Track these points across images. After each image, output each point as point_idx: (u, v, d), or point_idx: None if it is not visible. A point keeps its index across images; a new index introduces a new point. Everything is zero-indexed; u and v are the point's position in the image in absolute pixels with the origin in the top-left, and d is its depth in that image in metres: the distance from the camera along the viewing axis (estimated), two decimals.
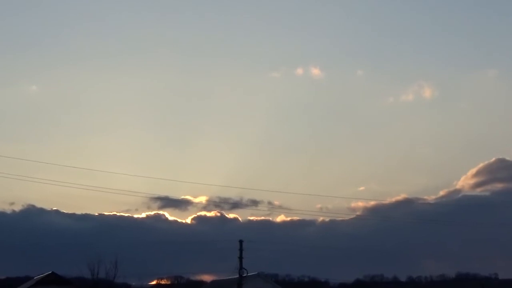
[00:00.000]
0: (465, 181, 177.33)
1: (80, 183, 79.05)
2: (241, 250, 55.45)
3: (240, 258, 55.23)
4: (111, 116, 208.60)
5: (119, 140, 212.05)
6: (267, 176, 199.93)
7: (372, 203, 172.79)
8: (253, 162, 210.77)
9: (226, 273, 70.03)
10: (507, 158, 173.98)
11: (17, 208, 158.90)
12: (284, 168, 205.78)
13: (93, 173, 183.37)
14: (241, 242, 55.79)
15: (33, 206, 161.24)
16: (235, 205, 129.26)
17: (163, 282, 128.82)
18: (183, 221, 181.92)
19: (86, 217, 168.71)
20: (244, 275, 55.37)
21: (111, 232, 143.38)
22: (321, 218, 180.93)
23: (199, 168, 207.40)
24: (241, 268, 55.00)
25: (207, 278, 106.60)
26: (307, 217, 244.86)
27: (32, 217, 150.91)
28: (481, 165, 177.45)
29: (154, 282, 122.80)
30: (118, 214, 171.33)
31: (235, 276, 57.17)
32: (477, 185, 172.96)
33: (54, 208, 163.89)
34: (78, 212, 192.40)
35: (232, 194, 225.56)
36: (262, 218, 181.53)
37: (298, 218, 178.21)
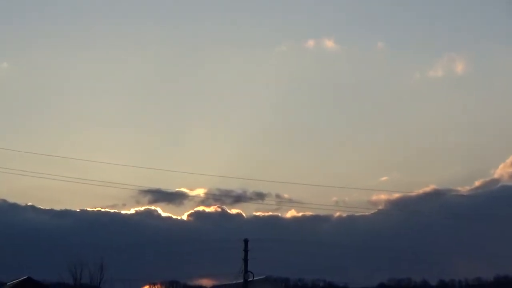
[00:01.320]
0: (504, 170, 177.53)
1: (58, 174, 79.45)
2: (246, 250, 55.69)
3: (245, 260, 55.48)
4: (94, 100, 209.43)
5: (104, 126, 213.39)
6: (274, 165, 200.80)
7: (397, 195, 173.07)
8: (258, 149, 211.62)
9: (229, 278, 70.37)
10: None
11: None
12: (295, 156, 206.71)
13: (73, 163, 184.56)
14: (246, 241, 56.05)
15: (4, 201, 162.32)
16: (238, 198, 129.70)
17: None
18: (178, 218, 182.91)
19: (66, 214, 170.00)
20: (250, 279, 55.70)
21: (95, 230, 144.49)
22: (337, 213, 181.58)
23: (196, 156, 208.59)
24: (246, 271, 55.29)
25: (206, 283, 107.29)
26: (322, 212, 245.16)
27: (4, 213, 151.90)
28: None
29: None
30: (102, 209, 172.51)
31: (240, 281, 57.45)
32: None
33: (28, 203, 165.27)
34: (57, 207, 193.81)
35: (235, 186, 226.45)
36: (270, 213, 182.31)
37: (311, 213, 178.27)
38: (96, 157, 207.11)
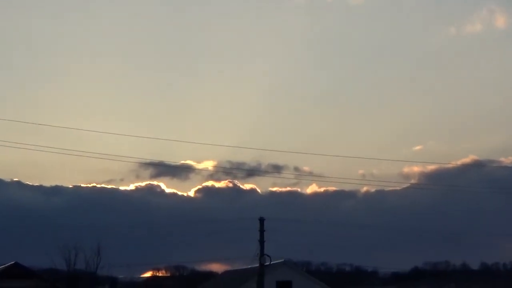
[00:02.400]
0: None
1: (47, 145, 79.20)
2: (261, 231, 55.68)
3: (261, 241, 55.48)
4: (87, 60, 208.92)
5: (98, 90, 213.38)
6: (293, 133, 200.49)
7: (432, 167, 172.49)
8: (274, 116, 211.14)
9: (243, 262, 70.88)
10: None
11: None
12: (316, 123, 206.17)
13: (65, 132, 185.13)
14: (261, 220, 56.04)
15: None
16: (251, 172, 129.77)
17: (159, 274, 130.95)
18: (184, 194, 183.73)
19: (57, 190, 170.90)
20: (267, 263, 55.75)
21: (90, 209, 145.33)
22: (364, 188, 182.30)
23: (204, 123, 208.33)
24: (262, 254, 55.26)
25: (217, 268, 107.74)
26: (347, 187, 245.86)
27: None
28: None
29: (148, 274, 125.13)
30: (98, 185, 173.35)
31: (255, 265, 57.69)
32: None
33: (14, 179, 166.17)
34: (47, 183, 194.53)
35: (248, 157, 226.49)
36: (288, 188, 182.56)
37: (334, 188, 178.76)
38: (90, 125, 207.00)
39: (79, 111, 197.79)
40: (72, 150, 79.45)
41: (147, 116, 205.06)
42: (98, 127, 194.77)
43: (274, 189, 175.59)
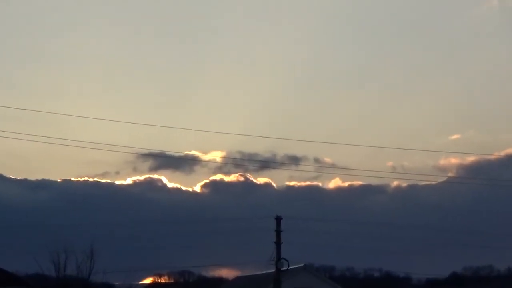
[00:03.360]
0: None
1: (32, 133, 79.23)
2: (278, 231, 55.54)
3: (278, 243, 55.32)
4: (78, 37, 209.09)
5: (91, 71, 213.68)
6: (313, 120, 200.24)
7: (471, 158, 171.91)
8: (292, 100, 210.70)
9: (257, 267, 70.56)
10: None
11: None
12: (339, 109, 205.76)
13: (52, 119, 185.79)
14: (278, 219, 55.89)
15: None
16: (265, 164, 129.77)
17: (162, 280, 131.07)
18: (189, 190, 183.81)
19: (43, 185, 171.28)
20: (284, 268, 55.59)
21: (82, 207, 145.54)
22: (395, 183, 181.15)
23: (211, 109, 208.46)
24: (278, 258, 55.13)
25: (227, 274, 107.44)
26: (374, 181, 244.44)
27: None
28: None
29: (148, 281, 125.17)
30: (91, 179, 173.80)
31: (271, 271, 57.52)
32: None
33: None
34: (32, 177, 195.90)
35: (261, 147, 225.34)
36: (307, 183, 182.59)
37: (360, 182, 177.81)
38: (82, 111, 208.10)
39: (69, 94, 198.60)
40: (61, 139, 78.75)
41: (146, 100, 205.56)
42: (90, 113, 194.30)
43: (292, 183, 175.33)
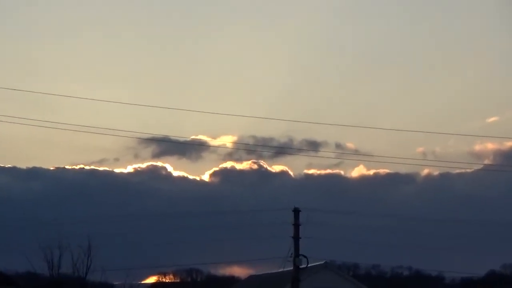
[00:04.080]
0: None
1: (22, 116, 78.92)
2: (296, 225, 55.46)
3: (296, 238, 55.25)
4: (72, 5, 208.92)
5: (87, 45, 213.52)
6: (334, 101, 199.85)
7: (510, 144, 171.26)
8: (310, 79, 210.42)
9: (272, 264, 70.45)
10: None
11: None
12: (363, 89, 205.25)
13: (44, 100, 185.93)
14: (296, 211, 55.83)
15: None
16: (281, 150, 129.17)
17: (167, 279, 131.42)
18: (197, 178, 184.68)
19: (35, 173, 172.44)
20: (303, 266, 55.48)
21: (77, 198, 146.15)
22: (425, 171, 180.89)
23: (220, 89, 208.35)
24: (297, 255, 55.02)
25: (240, 272, 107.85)
26: (402, 169, 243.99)
27: None
28: None
29: (152, 280, 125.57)
30: (87, 167, 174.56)
31: (288, 269, 57.38)
32: None
33: None
34: (21, 165, 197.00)
35: (277, 131, 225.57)
36: (328, 171, 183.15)
37: (387, 170, 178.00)
38: (77, 91, 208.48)
39: (64, 72, 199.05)
40: (54, 122, 78.86)
41: (149, 79, 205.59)
42: (87, 93, 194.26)
43: (311, 171, 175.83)
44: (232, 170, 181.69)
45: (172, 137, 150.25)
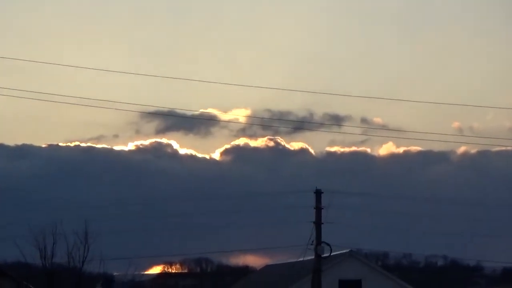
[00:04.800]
0: None
1: (10, 87, 78.29)
2: (318, 208, 55.34)
3: (317, 223, 55.10)
4: None
5: (82, 7, 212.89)
6: (359, 71, 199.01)
7: None
8: (332, 46, 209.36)
9: (290, 253, 70.48)
10: None
11: None
12: (392, 57, 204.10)
13: (35, 69, 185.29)
14: (317, 193, 55.71)
15: None
16: (301, 125, 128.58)
17: (173, 270, 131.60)
18: (206, 157, 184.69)
19: (25, 151, 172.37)
20: (325, 255, 55.32)
21: (72, 178, 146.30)
22: (462, 148, 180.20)
23: (233, 57, 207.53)
24: (319, 242, 54.83)
25: (254, 261, 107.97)
26: (436, 147, 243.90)
27: None
28: None
29: (157, 271, 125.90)
30: (83, 144, 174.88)
31: (308, 258, 57.29)
32: None
33: None
34: (10, 142, 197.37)
35: (295, 104, 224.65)
36: (353, 148, 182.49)
37: (418, 148, 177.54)
38: (71, 59, 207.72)
39: (55, 38, 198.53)
40: (46, 94, 78.38)
41: (152, 45, 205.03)
42: (82, 62, 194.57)
43: (333, 149, 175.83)
44: (246, 148, 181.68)
45: (178, 111, 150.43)
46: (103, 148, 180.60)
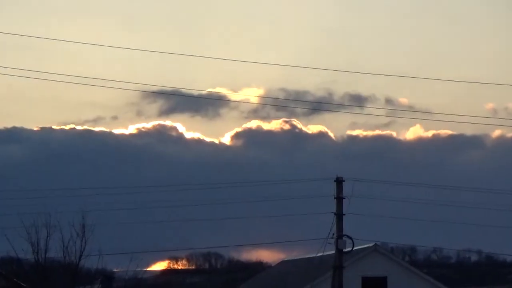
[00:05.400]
0: None
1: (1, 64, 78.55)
2: (339, 198, 55.63)
3: (338, 215, 55.33)
4: None
5: None
6: (383, 46, 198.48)
7: None
8: (355, 19, 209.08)
9: (308, 247, 70.59)
10: None
11: None
12: (419, 30, 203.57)
13: (25, 44, 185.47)
14: (338, 182, 55.99)
15: None
16: (318, 106, 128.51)
17: (179, 266, 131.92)
18: (215, 141, 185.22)
19: (15, 135, 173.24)
20: (347, 249, 55.71)
21: (67, 165, 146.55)
22: (496, 131, 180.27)
23: (244, 32, 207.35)
24: (340, 236, 55.07)
25: (268, 257, 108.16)
26: (468, 130, 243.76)
27: None
28: None
29: (161, 267, 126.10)
30: (79, 127, 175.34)
31: (328, 253, 57.60)
32: None
33: None
34: (0, 125, 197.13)
35: (313, 83, 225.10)
36: (376, 132, 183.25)
37: (449, 131, 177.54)
38: (65, 33, 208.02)
39: (47, 11, 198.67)
40: (38, 72, 78.65)
41: (156, 20, 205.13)
42: (77, 36, 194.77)
43: (355, 132, 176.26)
44: (258, 131, 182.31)
45: (183, 90, 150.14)
46: (101, 132, 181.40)
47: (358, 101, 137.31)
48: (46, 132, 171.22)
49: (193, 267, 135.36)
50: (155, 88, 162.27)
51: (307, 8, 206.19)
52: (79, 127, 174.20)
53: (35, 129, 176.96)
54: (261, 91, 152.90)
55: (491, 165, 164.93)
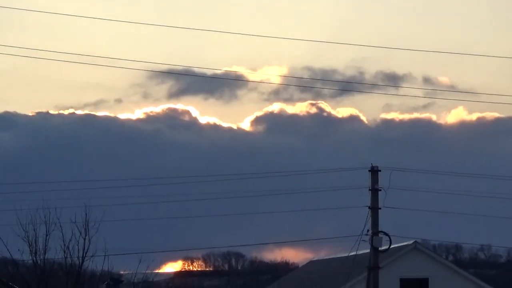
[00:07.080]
0: None
1: None
2: (374, 190, 55.84)
3: (374, 208, 55.56)
4: None
5: None
6: (420, 21, 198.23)
7: None
8: None
9: (339, 246, 70.83)
10: None
11: None
12: (462, 3, 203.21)
13: (21, 18, 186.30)
14: (373, 171, 56.23)
15: None
16: (348, 86, 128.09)
17: (195, 267, 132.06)
18: (233, 127, 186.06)
19: (8, 121, 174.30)
20: (383, 247, 56.06)
21: (67, 153, 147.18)
22: None
23: (265, 5, 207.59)
24: (376, 232, 55.22)
25: (294, 256, 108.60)
26: None
27: None
28: None
29: (175, 269, 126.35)
30: (79, 112, 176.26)
31: (363, 251, 57.97)
32: None
33: None
34: None
35: (342, 62, 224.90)
36: (414, 115, 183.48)
37: (496, 114, 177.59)
38: (63, 7, 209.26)
39: None
40: (33, 50, 78.82)
41: None
42: (76, 9, 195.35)
43: (390, 116, 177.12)
44: (281, 115, 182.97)
45: (196, 69, 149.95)
46: (105, 117, 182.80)
47: (392, 80, 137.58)
48: (42, 117, 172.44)
49: (211, 269, 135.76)
50: (164, 67, 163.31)
51: None
52: (79, 112, 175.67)
53: (30, 114, 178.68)
54: (283, 70, 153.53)
55: None
